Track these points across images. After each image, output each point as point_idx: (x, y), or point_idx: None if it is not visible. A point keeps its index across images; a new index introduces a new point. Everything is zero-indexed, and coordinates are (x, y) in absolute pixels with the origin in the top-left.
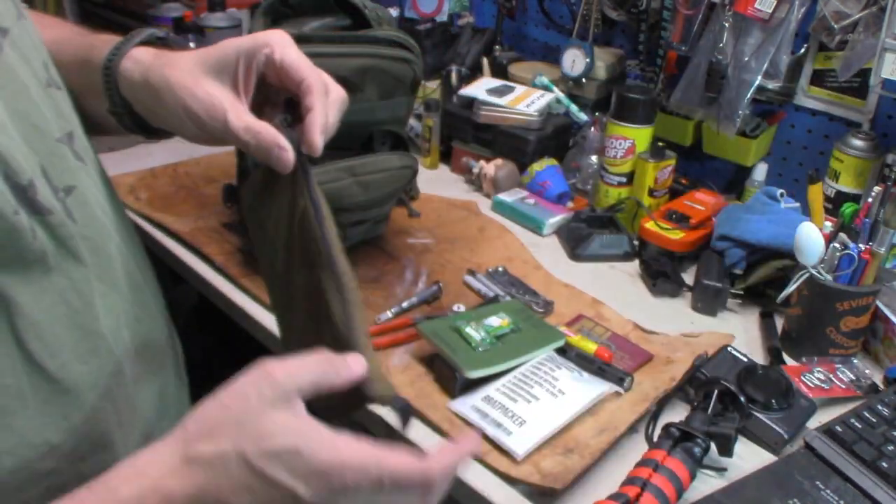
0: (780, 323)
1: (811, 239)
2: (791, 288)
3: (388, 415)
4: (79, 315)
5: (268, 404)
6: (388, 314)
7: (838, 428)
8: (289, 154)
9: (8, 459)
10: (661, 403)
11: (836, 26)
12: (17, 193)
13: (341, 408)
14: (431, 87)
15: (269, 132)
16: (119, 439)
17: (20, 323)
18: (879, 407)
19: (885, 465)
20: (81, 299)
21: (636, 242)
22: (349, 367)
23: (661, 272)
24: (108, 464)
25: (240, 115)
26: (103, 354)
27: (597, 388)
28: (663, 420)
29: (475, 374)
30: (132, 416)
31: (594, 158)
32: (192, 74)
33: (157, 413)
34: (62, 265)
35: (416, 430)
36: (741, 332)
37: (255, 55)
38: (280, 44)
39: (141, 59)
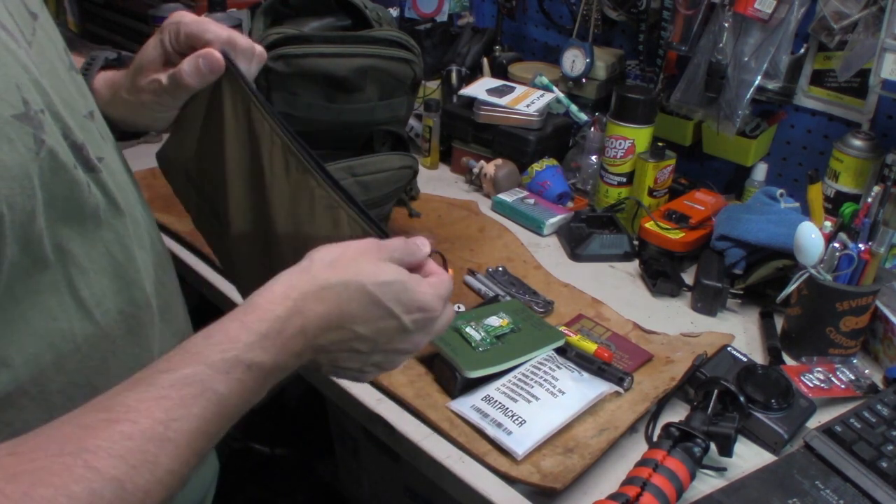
0: (779, 323)
1: (811, 239)
2: (791, 288)
3: (387, 413)
4: (121, 267)
5: (377, 258)
6: None
7: (838, 428)
8: (212, 51)
9: (58, 398)
10: (661, 403)
11: (835, 26)
12: (75, 151)
13: None
14: (431, 87)
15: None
16: None
17: (74, 272)
18: (879, 407)
19: (884, 464)
20: (124, 253)
21: (636, 242)
22: (420, 248)
23: (661, 272)
24: None
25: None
26: (141, 306)
27: (597, 388)
28: (663, 420)
29: (475, 373)
30: None
31: (594, 158)
32: (133, 82)
33: None
34: (110, 220)
35: (416, 430)
36: (741, 332)
37: (164, 41)
38: (177, 22)
39: (101, 94)
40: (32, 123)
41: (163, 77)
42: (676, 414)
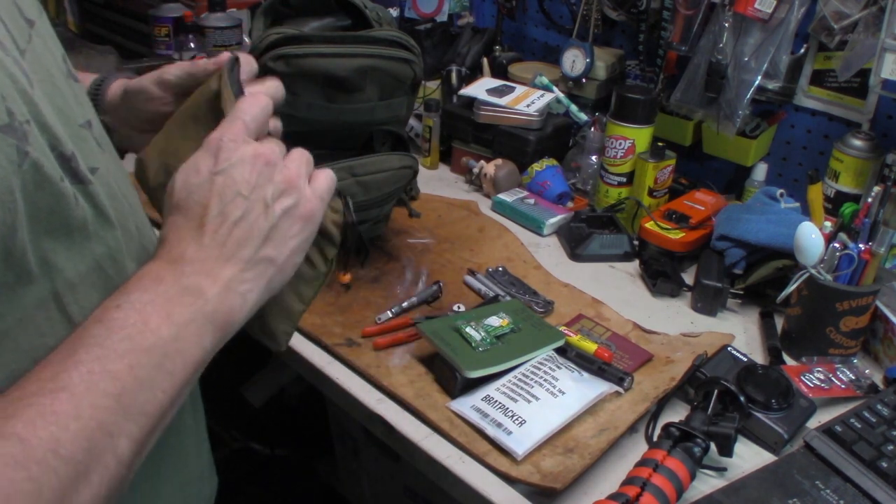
0: (779, 323)
1: (811, 239)
2: (791, 288)
3: (387, 413)
4: (112, 281)
5: None
6: (388, 314)
7: (838, 428)
8: (223, 56)
9: None
10: (661, 403)
11: (836, 26)
12: (62, 163)
13: None
14: (431, 87)
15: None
16: None
17: (61, 287)
18: (879, 407)
19: (884, 464)
20: (115, 266)
21: (636, 242)
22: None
23: (661, 272)
24: None
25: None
26: None
27: (597, 388)
28: (663, 420)
29: (475, 373)
30: None
31: (594, 158)
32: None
33: None
34: (100, 233)
35: (416, 430)
36: (741, 332)
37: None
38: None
39: (114, 105)
40: (16, 135)
41: (169, 67)
42: (676, 414)
